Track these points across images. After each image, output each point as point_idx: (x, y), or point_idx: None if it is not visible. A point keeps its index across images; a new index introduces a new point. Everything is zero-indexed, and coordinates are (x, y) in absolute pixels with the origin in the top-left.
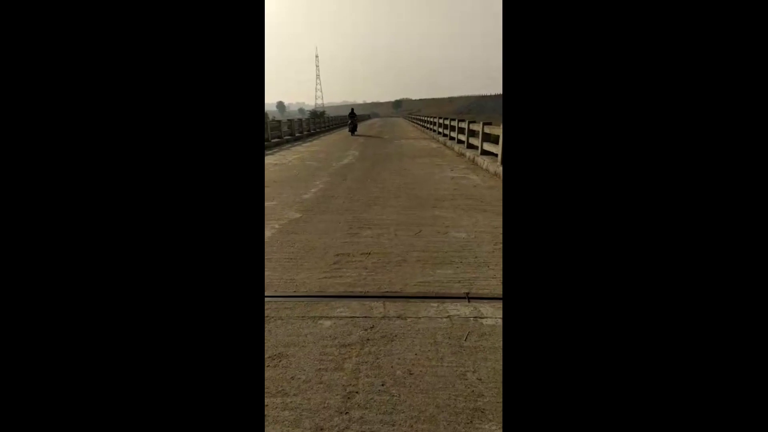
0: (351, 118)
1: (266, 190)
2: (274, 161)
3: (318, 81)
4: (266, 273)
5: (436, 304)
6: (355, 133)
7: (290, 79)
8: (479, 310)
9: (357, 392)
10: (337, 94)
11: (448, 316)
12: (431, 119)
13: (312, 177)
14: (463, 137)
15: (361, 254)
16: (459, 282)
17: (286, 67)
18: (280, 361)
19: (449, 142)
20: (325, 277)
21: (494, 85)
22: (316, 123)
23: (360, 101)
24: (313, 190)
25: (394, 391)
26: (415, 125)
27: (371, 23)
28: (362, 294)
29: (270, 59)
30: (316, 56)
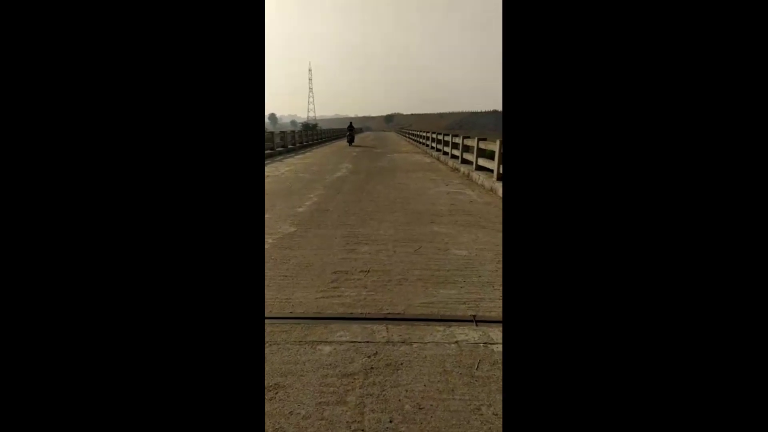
0: (350, 131)
1: None
2: (266, 173)
3: (311, 94)
4: None
5: (442, 328)
6: (352, 143)
7: (283, 92)
8: (488, 335)
9: (363, 430)
10: (329, 108)
11: (456, 342)
12: (424, 134)
13: (306, 190)
14: (456, 152)
15: (360, 272)
16: (464, 303)
17: (279, 79)
18: (276, 392)
19: (443, 157)
20: (323, 297)
21: (485, 102)
22: (309, 135)
23: (352, 115)
24: (307, 203)
25: (403, 429)
26: (408, 139)
27: (364, 38)
28: (363, 316)
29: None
30: (309, 70)
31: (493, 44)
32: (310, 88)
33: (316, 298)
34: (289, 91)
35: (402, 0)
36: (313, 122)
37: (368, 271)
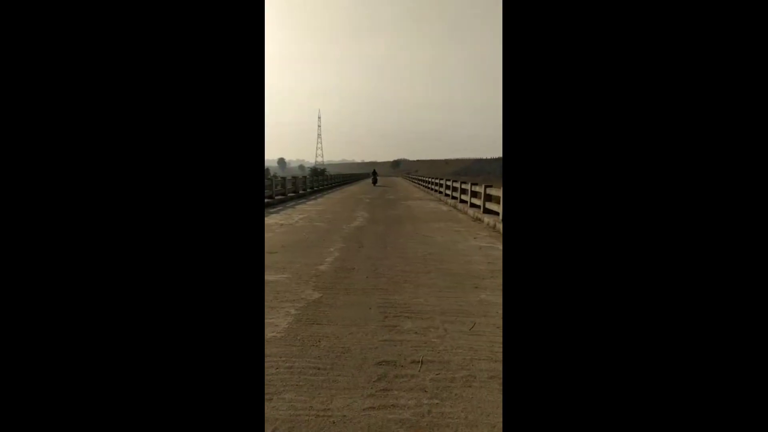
0: (374, 175)
1: (275, 257)
2: (279, 221)
3: (319, 140)
4: (289, 395)
5: None
6: (376, 184)
7: (291, 138)
8: None
9: None
10: (336, 153)
11: None
12: (437, 180)
13: (324, 242)
14: (477, 201)
15: (411, 362)
16: None
17: (288, 125)
18: None
19: (460, 205)
20: (372, 407)
21: (491, 150)
22: (319, 181)
23: (359, 160)
24: (328, 260)
25: None
26: (417, 185)
27: (372, 86)
28: None
29: (271, 116)
30: (319, 117)
31: (498, 94)
32: (319, 135)
33: (364, 410)
34: (297, 136)
35: (410, 52)
36: (322, 167)
37: (421, 362)
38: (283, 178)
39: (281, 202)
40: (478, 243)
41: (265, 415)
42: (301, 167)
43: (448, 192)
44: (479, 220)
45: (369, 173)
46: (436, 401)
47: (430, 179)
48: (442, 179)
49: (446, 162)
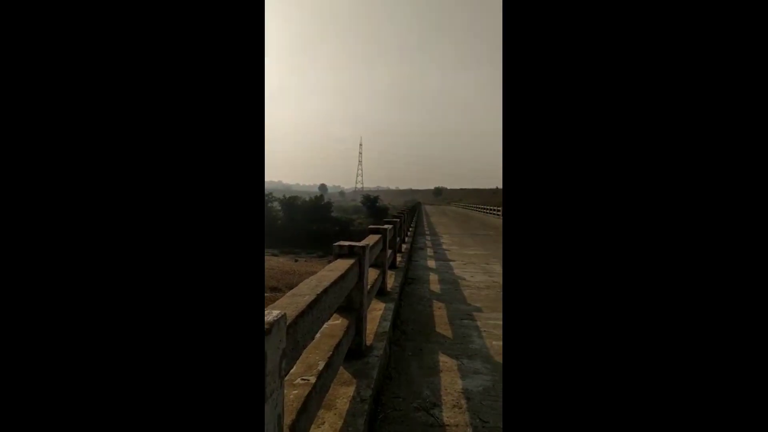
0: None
1: None
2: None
3: (360, 166)
4: None
5: None
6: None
7: (329, 163)
8: None
9: None
10: (373, 179)
11: None
12: None
13: None
14: None
15: None
16: None
17: (327, 150)
18: None
19: None
20: None
21: None
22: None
23: (393, 187)
24: None
25: None
26: (500, 217)
27: (411, 113)
28: None
29: (314, 143)
30: (360, 144)
31: None
32: (360, 161)
33: None
34: (335, 162)
35: (451, 77)
36: (374, 194)
37: None
38: (387, 230)
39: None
40: None
41: None
42: (341, 194)
43: None
44: None
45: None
46: None
47: None
48: None
49: (494, 192)
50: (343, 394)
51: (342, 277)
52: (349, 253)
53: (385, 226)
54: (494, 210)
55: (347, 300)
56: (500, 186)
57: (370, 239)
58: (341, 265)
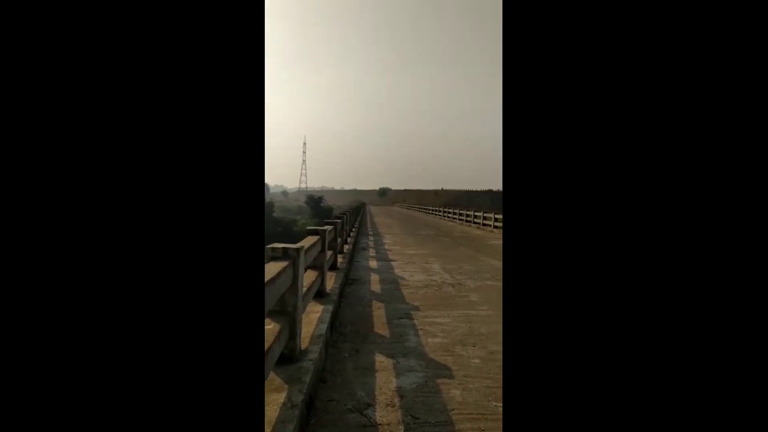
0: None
1: None
2: None
3: (303, 166)
4: None
5: None
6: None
7: (273, 163)
8: None
9: None
10: (315, 179)
11: None
12: (461, 211)
13: None
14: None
15: None
16: None
17: (270, 150)
18: None
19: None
20: None
21: (479, 183)
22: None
23: (338, 187)
24: None
25: None
26: (442, 217)
27: (356, 114)
28: None
29: None
30: (304, 143)
31: (487, 128)
32: (304, 161)
33: None
34: (278, 161)
35: (396, 81)
36: (318, 194)
37: None
38: (329, 228)
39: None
40: None
41: None
42: (284, 193)
43: (486, 222)
44: None
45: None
46: None
47: (454, 211)
48: (470, 211)
49: (436, 193)
50: (273, 401)
51: (272, 280)
52: (284, 255)
53: (325, 228)
54: (435, 210)
55: (280, 303)
56: (435, 188)
57: (308, 241)
58: (273, 268)
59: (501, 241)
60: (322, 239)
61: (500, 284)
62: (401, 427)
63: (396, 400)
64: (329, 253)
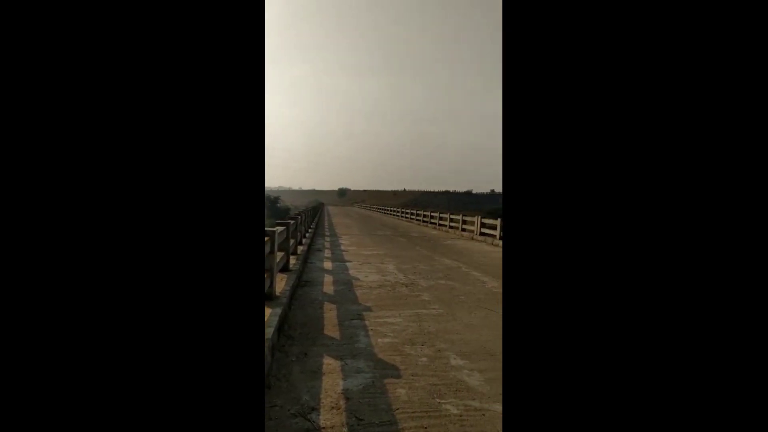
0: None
1: None
2: None
3: None
4: None
5: None
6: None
7: None
8: None
9: None
10: (274, 179)
11: None
12: (418, 212)
13: None
14: (455, 224)
15: None
16: None
17: None
18: None
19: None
20: None
21: (435, 184)
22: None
23: (296, 187)
24: None
25: None
26: (399, 217)
27: (312, 114)
28: None
29: None
30: None
31: (445, 131)
32: None
33: None
34: None
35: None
36: (275, 195)
37: None
38: (292, 223)
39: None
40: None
41: None
42: None
43: (442, 222)
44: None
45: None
46: None
47: (412, 211)
48: (427, 211)
49: (395, 193)
50: None
51: None
52: None
53: (275, 229)
54: (394, 211)
55: None
56: (394, 189)
57: None
58: None
59: (455, 242)
60: (272, 240)
61: (452, 283)
62: (345, 429)
63: (342, 402)
64: (280, 254)
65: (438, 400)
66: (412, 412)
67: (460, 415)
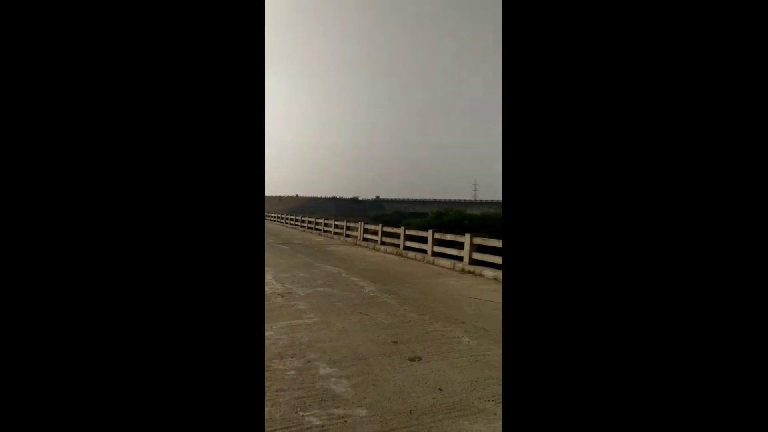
0: None
1: None
2: None
3: None
4: None
5: None
6: None
7: None
8: None
9: None
10: None
11: None
12: (312, 219)
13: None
14: (352, 233)
15: None
16: None
17: None
18: None
19: (381, 246)
20: None
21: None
22: None
23: None
24: None
25: None
26: (283, 224)
27: None
28: None
29: None
30: None
31: (335, 134)
32: None
33: None
34: None
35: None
36: None
37: None
38: None
39: None
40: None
41: None
42: None
43: (356, 234)
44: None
45: None
46: None
47: (297, 218)
48: (312, 218)
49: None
50: None
51: None
52: None
53: None
54: (278, 217)
55: None
56: (297, 194)
57: None
58: None
59: (338, 247)
60: None
61: (330, 290)
62: None
63: None
64: None
65: (301, 414)
66: (273, 430)
67: (323, 425)
